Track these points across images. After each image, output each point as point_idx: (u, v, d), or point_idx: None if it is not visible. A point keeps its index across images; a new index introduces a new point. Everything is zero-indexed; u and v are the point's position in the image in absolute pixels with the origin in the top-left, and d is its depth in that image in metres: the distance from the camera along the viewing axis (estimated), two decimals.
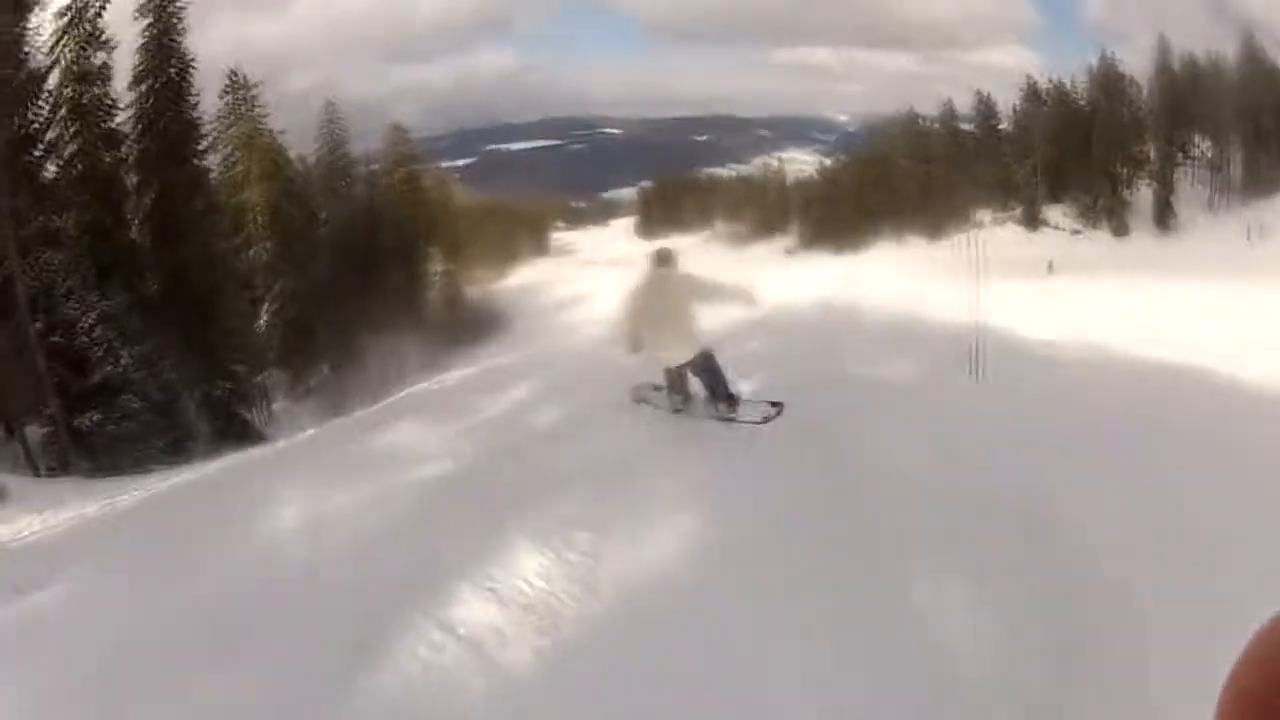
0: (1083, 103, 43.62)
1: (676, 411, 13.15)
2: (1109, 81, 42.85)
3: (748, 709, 6.83)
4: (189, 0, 32.47)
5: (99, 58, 30.55)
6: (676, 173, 53.23)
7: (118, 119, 31.41)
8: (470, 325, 39.73)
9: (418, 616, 8.24)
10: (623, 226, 52.40)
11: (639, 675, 7.04)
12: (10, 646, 9.00)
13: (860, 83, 52.69)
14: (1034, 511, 8.95)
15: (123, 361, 26.22)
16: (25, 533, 15.70)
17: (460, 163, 49.82)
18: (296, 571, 9.19)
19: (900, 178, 46.51)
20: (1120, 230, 42.30)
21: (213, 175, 34.66)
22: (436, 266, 41.94)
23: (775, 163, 52.31)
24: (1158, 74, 41.89)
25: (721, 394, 12.79)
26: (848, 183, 48.71)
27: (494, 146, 52.08)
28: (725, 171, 53.66)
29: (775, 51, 56.14)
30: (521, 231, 50.66)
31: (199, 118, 33.07)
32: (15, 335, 25.24)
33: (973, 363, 15.53)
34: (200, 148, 32.71)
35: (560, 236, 52.65)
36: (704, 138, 53.90)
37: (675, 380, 13.17)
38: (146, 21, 31.65)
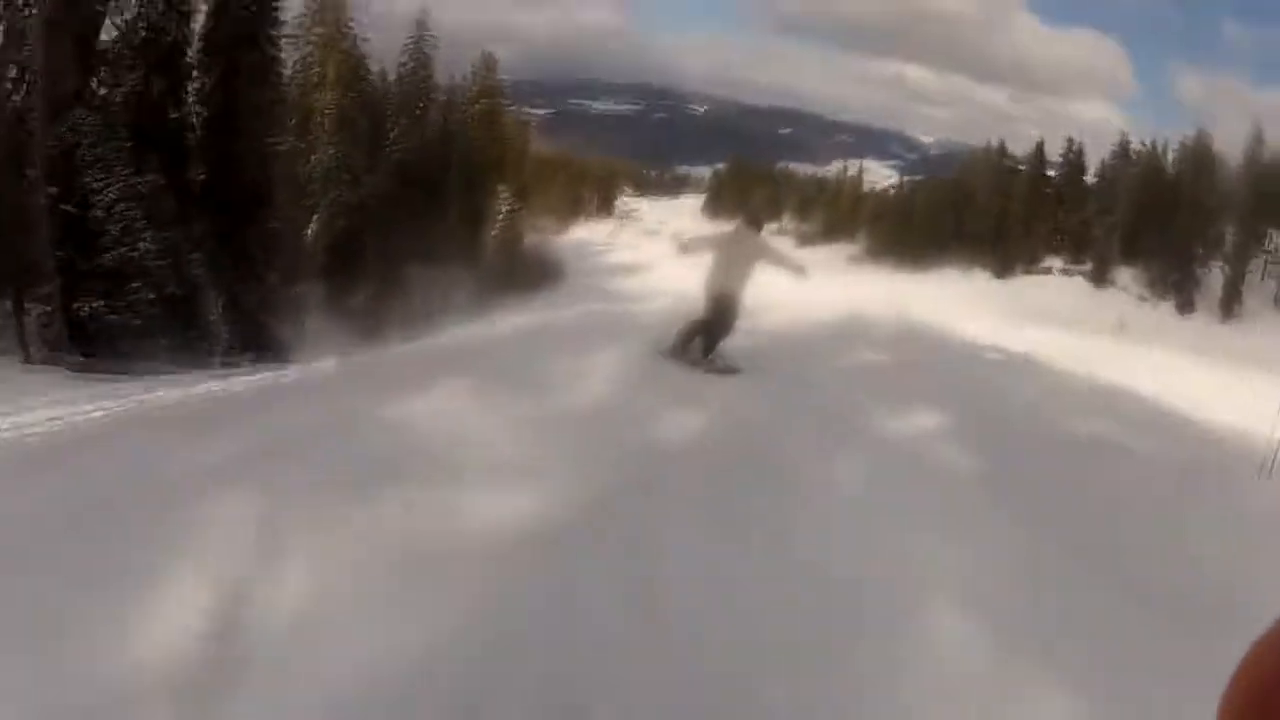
0: (1171, 172, 40.15)
1: (673, 355, 13.16)
2: (1200, 157, 39.35)
3: None
4: None
5: None
6: (753, 160, 50.14)
7: None
8: (525, 272, 36.34)
9: None
10: (690, 203, 49.54)
11: None
12: None
13: (949, 108, 50.40)
14: None
15: (141, 246, 21.77)
16: None
17: (540, 111, 47.63)
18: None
19: (978, 209, 42.66)
20: (1185, 307, 38.72)
21: (286, 72, 30.95)
22: (501, 206, 38.02)
23: (853, 169, 49.05)
24: (1248, 161, 38.65)
25: (710, 347, 13.21)
26: (923, 203, 45.36)
27: (577, 101, 50.53)
28: (801, 168, 50.55)
29: (873, 62, 53.96)
30: (589, 189, 48.52)
31: (280, 5, 28.73)
32: (25, 197, 20.99)
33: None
34: (275, 35, 28.45)
35: (627, 201, 49.69)
36: (786, 131, 51.73)
37: (688, 331, 13.39)
38: None
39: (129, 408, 12.39)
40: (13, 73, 22.55)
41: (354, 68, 32.82)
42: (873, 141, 50.18)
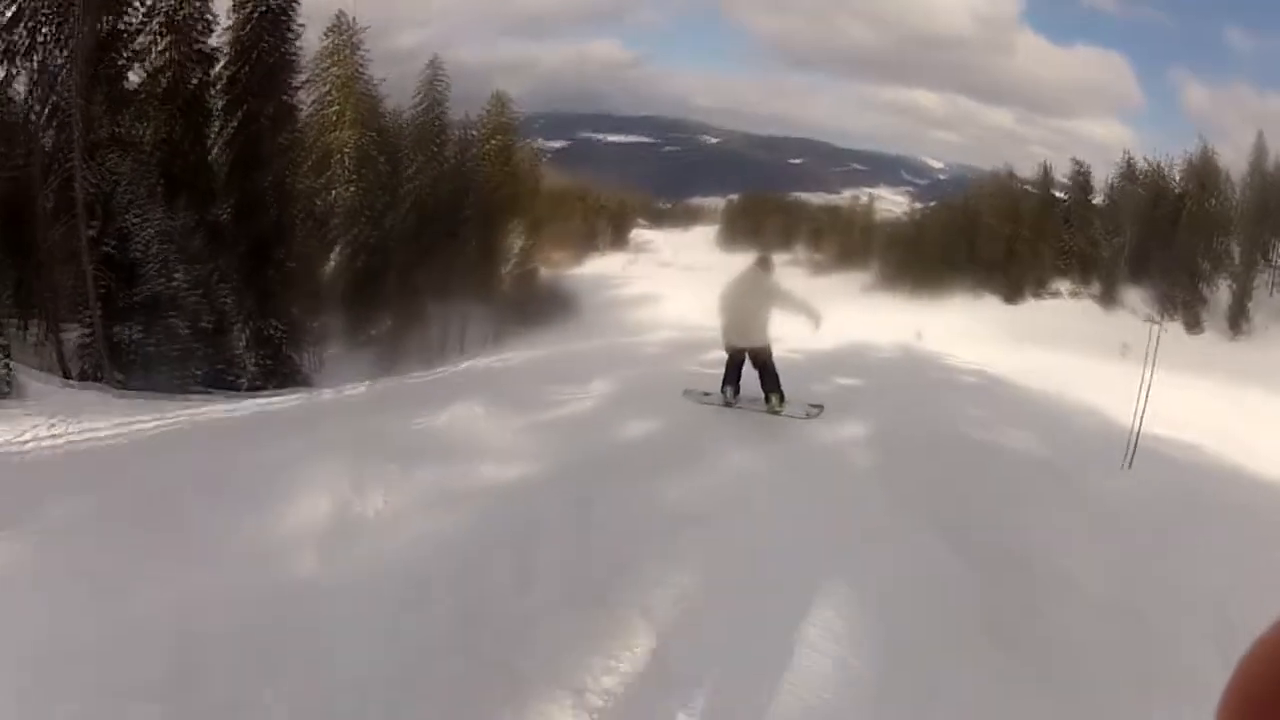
0: (1177, 189, 41.09)
1: (727, 405, 13.63)
2: (1205, 173, 40.35)
3: None
4: None
5: None
6: (766, 190, 51.56)
7: (214, 39, 29.33)
8: (539, 306, 37.54)
9: None
10: (704, 234, 50.57)
11: None
12: None
13: (958, 132, 51.15)
14: None
15: (175, 281, 23.85)
16: (26, 438, 12.99)
17: (553, 144, 48.61)
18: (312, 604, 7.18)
19: (987, 234, 44.08)
20: (1193, 325, 39.73)
21: (304, 112, 32.80)
22: (515, 241, 39.68)
23: (865, 198, 50.56)
24: (1252, 174, 39.54)
25: (771, 389, 13.49)
26: (934, 230, 46.79)
27: (588, 134, 51.23)
28: (813, 198, 51.78)
29: (881, 89, 54.91)
30: (603, 222, 49.50)
31: (297, 51, 31.06)
32: (68, 236, 23.04)
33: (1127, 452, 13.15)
34: (294, 83, 30.75)
35: (640, 234, 50.69)
36: (798, 161, 52.59)
37: (730, 373, 13.78)
38: None
39: (184, 421, 14.31)
40: (43, 112, 24.49)
41: (371, 107, 34.51)
42: (883, 168, 51.05)
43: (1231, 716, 0.87)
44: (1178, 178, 41.16)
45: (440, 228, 35.43)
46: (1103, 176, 42.87)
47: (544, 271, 41.76)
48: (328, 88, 33.93)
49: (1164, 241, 40.36)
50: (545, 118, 47.00)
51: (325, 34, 33.74)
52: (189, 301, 24.26)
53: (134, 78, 27.61)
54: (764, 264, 14.88)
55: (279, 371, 28.76)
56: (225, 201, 28.76)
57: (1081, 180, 43.16)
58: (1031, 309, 41.96)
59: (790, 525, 8.59)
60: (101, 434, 13.01)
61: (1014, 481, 10.94)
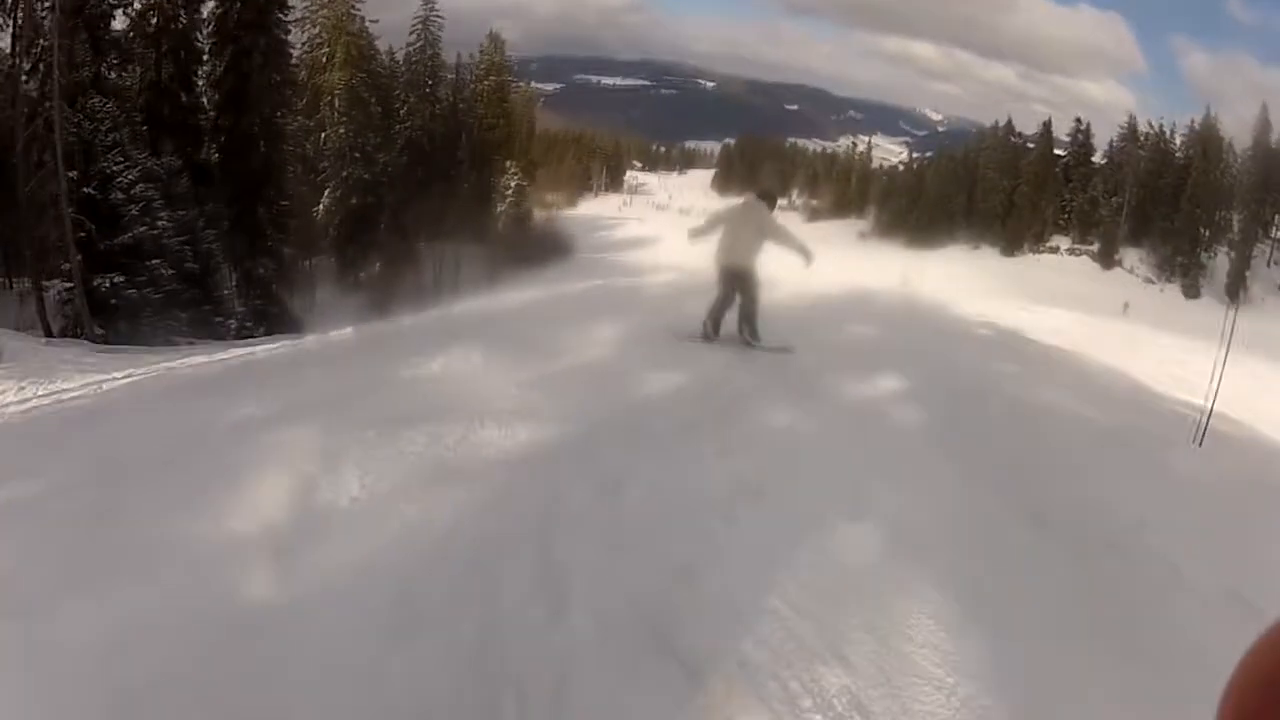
0: (1179, 155, 40.67)
1: (707, 340, 13.29)
2: (1208, 140, 39.91)
3: None
4: None
5: None
6: (762, 135, 50.65)
7: None
8: (534, 246, 36.62)
9: None
10: (699, 178, 50.10)
11: None
12: None
13: (958, 85, 50.52)
14: None
15: (160, 224, 22.81)
16: None
17: (548, 87, 48.35)
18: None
19: (987, 187, 43.26)
20: (1191, 291, 39.43)
21: (296, 53, 31.97)
22: (510, 181, 38.68)
23: (862, 145, 49.51)
24: (1255, 147, 39.16)
25: (748, 322, 13.33)
26: (933, 180, 45.57)
27: (584, 77, 50.61)
28: (810, 144, 51.00)
29: (881, 38, 54.16)
30: (597, 164, 49.12)
31: None
32: (47, 182, 22.05)
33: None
34: (284, 18, 29.34)
35: (636, 176, 50.32)
36: (795, 107, 51.88)
37: (717, 305, 13.53)
38: None
39: (155, 377, 13.39)
40: (27, 64, 23.60)
41: (363, 48, 33.58)
42: (882, 118, 50.24)
43: (1232, 715, 0.85)
44: (1179, 143, 40.84)
45: (434, 168, 34.88)
46: (1102, 137, 42.59)
47: (538, 213, 41.27)
48: (319, 29, 33.21)
49: (1164, 206, 40.08)
50: (540, 61, 46.61)
51: None
52: (172, 245, 23.27)
53: (122, 23, 26.90)
54: (766, 196, 14.28)
55: (269, 314, 27.94)
56: (213, 142, 27.84)
57: (1082, 139, 42.58)
58: (1029, 263, 41.37)
59: (861, 506, 7.05)
60: (68, 397, 12.14)
61: (1083, 452, 9.87)
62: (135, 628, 4.84)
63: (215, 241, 25.82)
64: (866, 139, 49.68)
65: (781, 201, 44.61)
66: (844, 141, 50.39)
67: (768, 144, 50.64)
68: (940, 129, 49.76)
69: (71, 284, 22.26)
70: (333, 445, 7.40)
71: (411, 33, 35.79)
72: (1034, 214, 42.05)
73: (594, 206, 46.88)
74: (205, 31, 28.32)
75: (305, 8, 32.49)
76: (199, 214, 25.41)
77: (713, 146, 51.74)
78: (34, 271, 22.77)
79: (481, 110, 37.63)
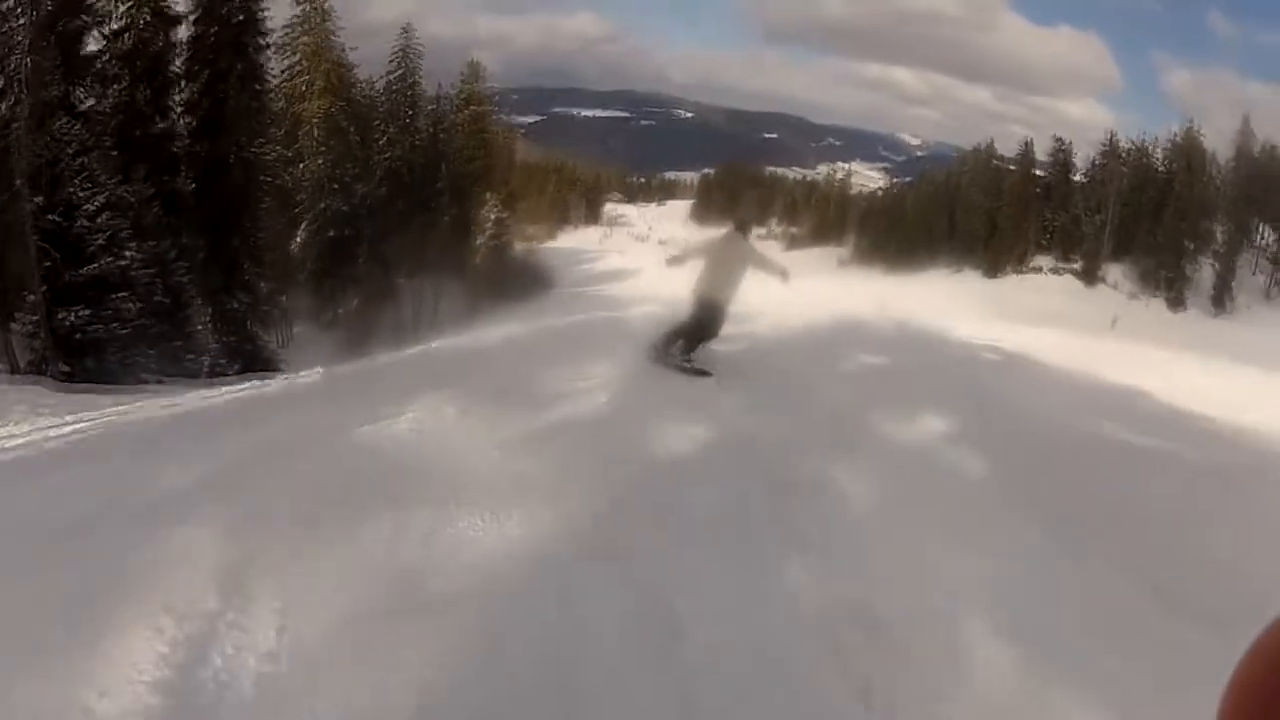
0: (1161, 168, 39.94)
1: (655, 361, 12.19)
2: (1191, 152, 39.22)
3: None
4: None
5: None
6: (741, 164, 49.83)
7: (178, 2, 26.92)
8: (514, 280, 35.44)
9: None
10: (679, 208, 49.57)
11: None
12: None
13: (937, 109, 50.47)
14: None
15: (127, 256, 21.02)
16: None
17: (528, 119, 48.11)
18: None
19: (967, 210, 42.29)
20: (1176, 303, 38.55)
21: (274, 81, 30.51)
22: (490, 213, 37.05)
23: (842, 172, 48.66)
24: (1238, 156, 38.70)
25: (691, 342, 12.51)
26: (913, 204, 44.68)
27: (563, 109, 50.45)
28: (789, 172, 50.26)
29: (860, 64, 53.88)
30: (577, 196, 48.30)
31: (263, 11, 28.21)
32: (9, 208, 20.26)
33: None
34: (260, 42, 27.90)
35: (615, 208, 49.67)
36: (773, 135, 51.58)
37: (671, 333, 12.65)
38: None
39: (103, 426, 11.55)
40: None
41: (342, 76, 32.19)
42: (860, 144, 49.98)
43: (1233, 715, 0.81)
44: (1161, 158, 40.23)
45: (413, 200, 33.50)
46: (1083, 155, 41.95)
47: (519, 245, 40.01)
48: (298, 57, 31.80)
49: (1147, 220, 39.29)
50: (520, 93, 45.81)
51: (295, 1, 31.77)
52: (141, 278, 21.47)
53: (97, 44, 25.16)
54: (741, 226, 13.77)
55: (243, 351, 26.25)
56: (188, 170, 26.07)
57: (1063, 158, 41.88)
58: (1013, 284, 40.32)
59: (973, 598, 4.84)
60: (8, 446, 10.40)
61: (1180, 497, 7.89)
62: None
63: (188, 275, 24.08)
64: (845, 165, 49.07)
65: (760, 230, 44.75)
66: (823, 169, 49.80)
67: (746, 173, 49.74)
68: (919, 154, 49.48)
69: (36, 318, 20.44)
70: (256, 548, 4.97)
71: (391, 61, 34.68)
72: (1016, 235, 41.13)
73: (574, 238, 45.96)
74: (181, 54, 26.68)
75: (284, 34, 31.26)
76: (171, 245, 23.69)
77: (691, 176, 51.18)
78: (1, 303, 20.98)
79: (461, 141, 36.32)
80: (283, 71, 31.37)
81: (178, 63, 26.57)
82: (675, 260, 13.18)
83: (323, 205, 30.90)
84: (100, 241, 20.45)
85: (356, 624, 4.25)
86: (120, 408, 12.88)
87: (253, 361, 25.81)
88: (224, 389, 14.29)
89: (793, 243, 46.09)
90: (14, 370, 20.58)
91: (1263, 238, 39.14)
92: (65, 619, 4.04)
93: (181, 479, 6.67)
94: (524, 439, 7.42)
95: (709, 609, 4.63)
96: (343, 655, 4.01)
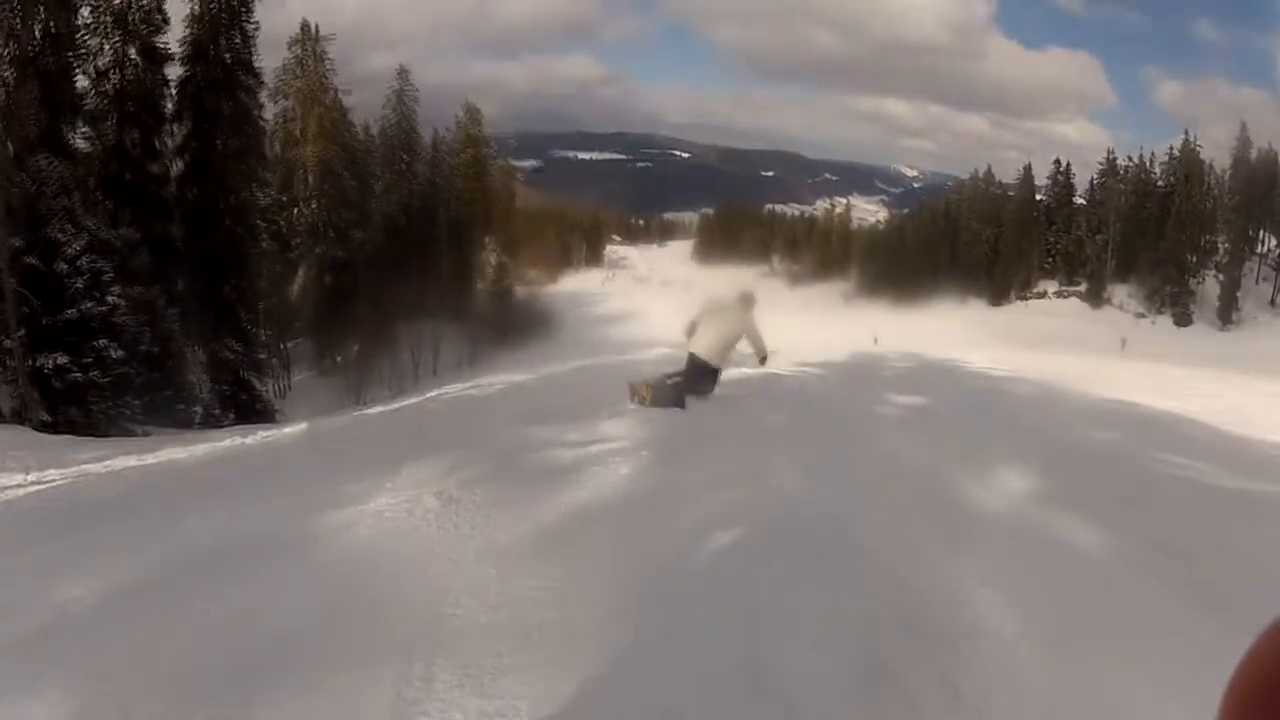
0: (1160, 183, 39.07)
1: (640, 402, 10.96)
2: (1189, 164, 38.28)
3: None
4: None
5: None
6: (739, 203, 49.41)
7: (169, 41, 25.45)
8: (516, 325, 34.22)
9: None
10: (680, 249, 49.06)
11: None
12: None
13: (931, 139, 49.95)
14: None
15: (109, 300, 19.43)
16: None
17: (527, 163, 47.65)
18: None
19: (968, 238, 41.19)
20: (1183, 319, 37.51)
21: (269, 126, 28.98)
22: (490, 258, 36.03)
23: (840, 206, 47.90)
24: (1236, 162, 37.81)
25: (679, 400, 11.34)
26: (914, 236, 43.62)
27: (562, 153, 50.02)
28: (787, 209, 49.60)
29: (853, 99, 53.25)
30: (578, 238, 47.37)
31: (254, 49, 26.93)
32: None
33: None
34: (250, 83, 26.51)
35: (616, 250, 48.92)
36: (770, 173, 50.98)
37: (672, 386, 11.71)
38: None
39: (65, 489, 9.82)
40: None
41: (336, 120, 30.99)
42: (857, 178, 49.53)
43: (1233, 714, 0.80)
44: (1159, 173, 39.33)
45: (412, 245, 32.24)
46: (1080, 177, 41.18)
47: (520, 289, 38.88)
48: (292, 101, 30.68)
49: (1150, 237, 38.28)
50: (518, 137, 45.68)
51: (289, 45, 30.82)
52: (126, 324, 19.89)
53: (85, 83, 23.99)
54: (745, 299, 12.66)
55: (238, 400, 24.69)
56: (178, 213, 24.74)
57: (1063, 180, 40.94)
58: (1019, 310, 39.32)
59: None
60: None
61: None
62: None
63: (178, 322, 22.52)
64: (843, 200, 48.39)
65: (763, 268, 43.89)
66: (821, 204, 49.25)
67: (745, 213, 49.05)
68: (916, 185, 49.08)
69: (14, 363, 18.81)
70: None
71: (386, 106, 33.71)
72: (1019, 260, 40.19)
73: (576, 281, 44.78)
74: (168, 92, 25.44)
75: (278, 79, 30.29)
76: (162, 291, 22.17)
77: (690, 216, 50.68)
78: None
79: (460, 184, 35.37)
80: (277, 116, 30.22)
81: (168, 104, 25.26)
82: (689, 329, 12.20)
83: (319, 251, 29.64)
84: (80, 285, 18.91)
85: None
86: (88, 466, 11.22)
87: (248, 411, 24.29)
88: (198, 446, 12.58)
89: (795, 280, 45.35)
90: None
91: (1264, 246, 38.38)
92: None
93: (76, 594, 4.76)
94: (529, 543, 5.13)
95: None
96: None
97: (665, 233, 50.45)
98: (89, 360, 18.92)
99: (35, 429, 17.45)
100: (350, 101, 32.12)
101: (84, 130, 23.43)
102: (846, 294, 43.37)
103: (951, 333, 33.03)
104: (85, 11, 24.02)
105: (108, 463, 11.61)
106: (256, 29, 26.44)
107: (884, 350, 24.36)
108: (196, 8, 25.61)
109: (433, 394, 19.59)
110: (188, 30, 25.63)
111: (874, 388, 15.14)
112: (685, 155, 49.96)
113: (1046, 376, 19.71)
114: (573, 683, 3.36)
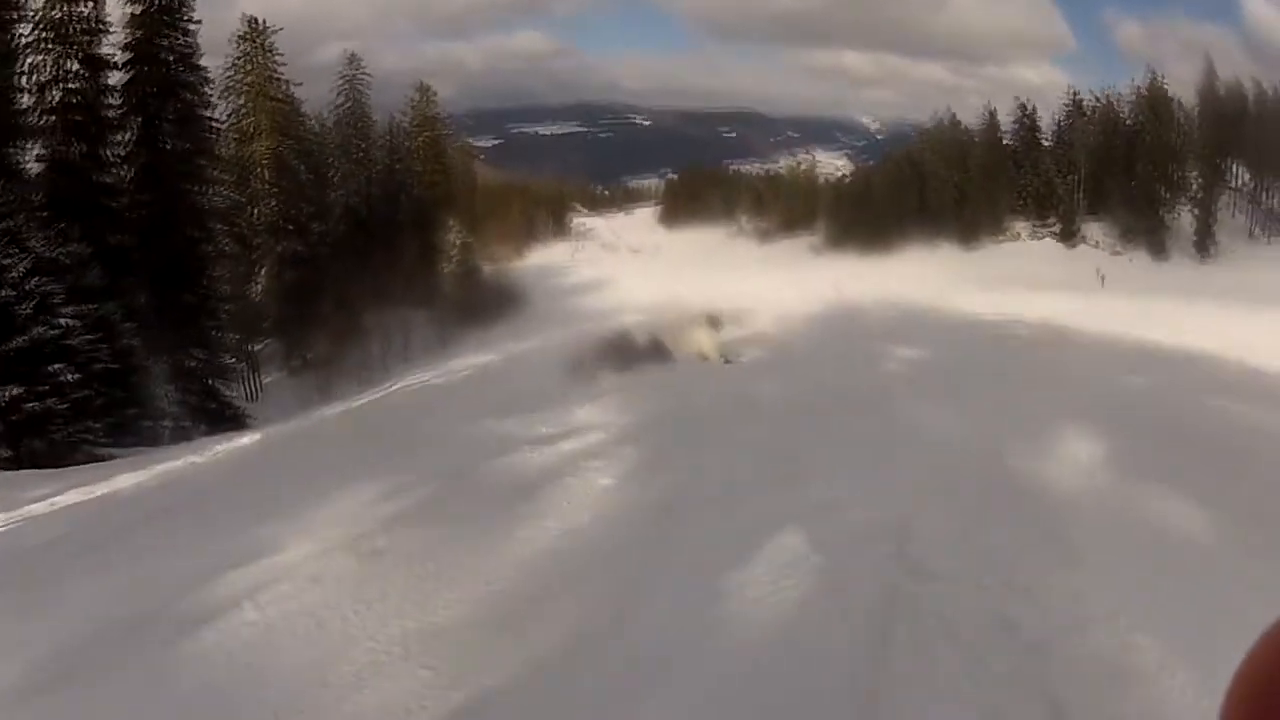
0: (1128, 120, 38.37)
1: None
2: (1156, 100, 37.68)
3: None
4: None
5: None
6: (702, 164, 48.36)
7: (107, 46, 24.18)
8: (486, 303, 33.27)
9: None
10: (646, 215, 47.96)
11: None
12: None
13: (891, 89, 48.86)
14: None
15: (61, 322, 18.16)
16: None
17: (486, 142, 46.78)
18: None
19: (935, 183, 40.52)
20: (1159, 253, 36.89)
21: (221, 125, 27.97)
22: (454, 238, 35.33)
23: (804, 161, 47.38)
24: (1202, 98, 37.08)
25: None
26: (880, 185, 42.83)
27: (520, 128, 49.18)
28: (751, 167, 48.79)
29: (807, 53, 52.30)
30: (542, 212, 46.22)
31: (195, 46, 25.52)
32: None
33: None
34: (194, 80, 25.33)
35: (581, 220, 47.77)
36: (730, 133, 50.08)
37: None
38: None
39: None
40: None
41: (287, 113, 30.00)
42: (818, 132, 48.71)
43: (1236, 714, 0.79)
44: (1126, 110, 38.67)
45: (374, 233, 31.32)
46: (1045, 119, 40.29)
47: (487, 267, 37.92)
48: (242, 99, 29.51)
49: (1120, 175, 37.75)
50: (475, 116, 44.78)
51: (235, 42, 29.56)
52: (80, 345, 18.63)
53: (28, 100, 22.98)
54: (713, 323, 16.28)
55: (207, 410, 23.54)
56: (129, 223, 23.45)
57: (1028, 121, 40.11)
58: (991, 252, 38.73)
59: None
60: None
61: None
62: None
63: (137, 336, 21.25)
64: (807, 155, 47.78)
65: (730, 228, 43.41)
66: (784, 160, 48.45)
67: (709, 174, 48.25)
68: (878, 136, 48.39)
69: None
70: None
71: (338, 94, 32.64)
72: (988, 203, 39.41)
73: (543, 255, 43.79)
74: (112, 99, 24.16)
75: (226, 76, 29.10)
76: (117, 306, 20.91)
77: (654, 181, 49.72)
78: None
79: (419, 166, 34.49)
80: (229, 115, 29.07)
81: (111, 111, 23.99)
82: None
83: (279, 248, 28.55)
84: (29, 310, 17.63)
85: None
86: (28, 509, 10.06)
87: (218, 420, 23.18)
88: (151, 468, 11.44)
89: (764, 237, 44.70)
90: None
91: (1238, 178, 37.76)
92: None
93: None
94: (475, 625, 4.14)
95: None
96: None
97: (630, 200, 49.24)
98: (44, 388, 17.66)
99: None
100: (305, 94, 31.18)
101: (29, 147, 22.48)
102: (814, 246, 42.87)
103: (926, 277, 32.64)
104: (24, 29, 23.04)
105: (54, 500, 10.56)
106: (198, 25, 25.20)
107: (860, 300, 23.61)
108: (135, 9, 24.22)
109: (397, 386, 18.68)
110: (127, 34, 24.25)
111: (868, 342, 14.29)
112: (645, 121, 49.06)
113: (1040, 317, 18.91)
114: None
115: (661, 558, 4.83)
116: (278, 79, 29.98)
